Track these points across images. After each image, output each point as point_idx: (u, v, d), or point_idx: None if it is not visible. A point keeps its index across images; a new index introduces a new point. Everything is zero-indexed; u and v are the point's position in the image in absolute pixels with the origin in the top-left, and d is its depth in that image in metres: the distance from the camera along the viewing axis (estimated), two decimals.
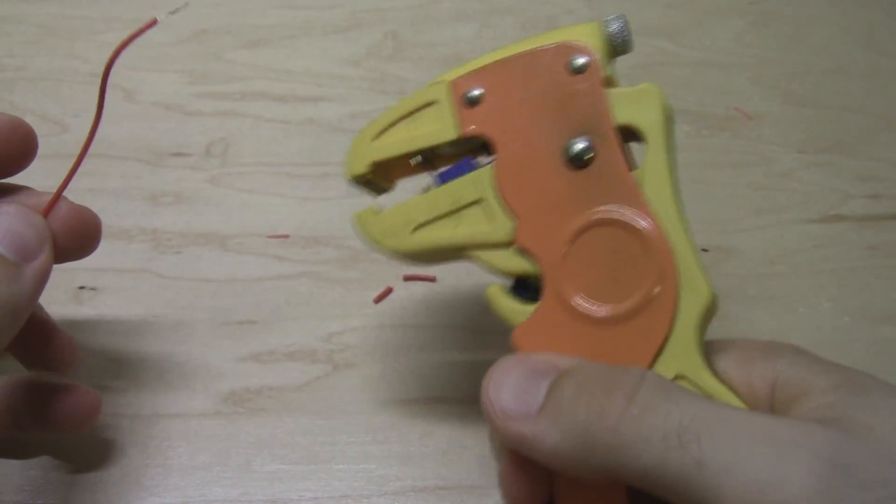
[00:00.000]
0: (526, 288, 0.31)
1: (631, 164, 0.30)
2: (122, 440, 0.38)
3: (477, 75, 0.31)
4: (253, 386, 0.39)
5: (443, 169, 0.32)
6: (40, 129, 0.45)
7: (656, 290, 0.28)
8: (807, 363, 0.28)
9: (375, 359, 0.41)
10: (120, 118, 0.46)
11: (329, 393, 0.40)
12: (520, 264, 0.30)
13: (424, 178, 0.33)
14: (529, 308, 0.30)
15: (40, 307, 0.36)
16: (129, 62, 0.47)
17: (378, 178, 0.33)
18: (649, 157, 0.29)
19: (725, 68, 0.50)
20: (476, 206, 0.31)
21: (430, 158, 0.33)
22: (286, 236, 0.43)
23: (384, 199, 0.33)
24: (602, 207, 0.29)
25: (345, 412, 0.39)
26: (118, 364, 0.39)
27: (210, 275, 0.42)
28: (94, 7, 0.49)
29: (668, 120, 0.29)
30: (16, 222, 0.32)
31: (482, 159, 0.32)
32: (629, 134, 0.30)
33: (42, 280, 0.32)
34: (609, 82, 0.30)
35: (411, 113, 0.32)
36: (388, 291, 0.42)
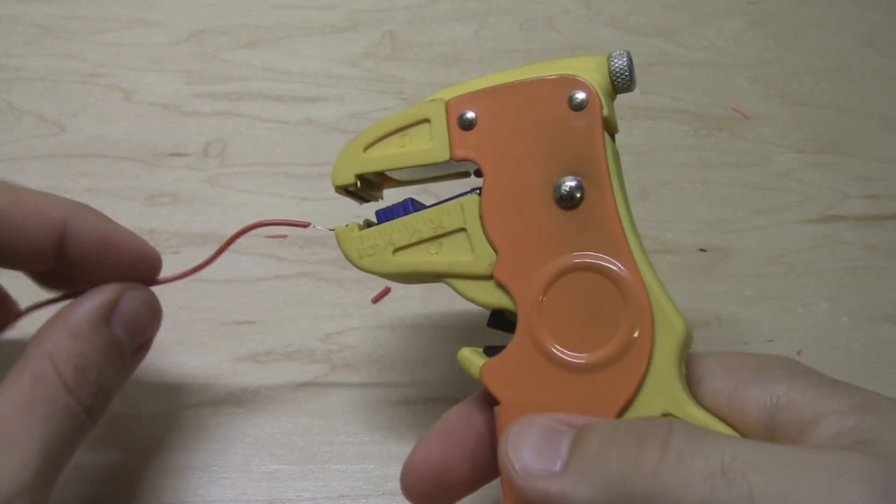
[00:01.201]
0: (504, 321, 0.31)
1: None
2: (120, 440, 0.38)
3: (474, 98, 0.30)
4: (251, 386, 0.39)
5: (381, 207, 0.32)
6: (38, 130, 0.45)
7: (634, 336, 0.28)
8: (809, 385, 0.27)
9: (373, 359, 0.40)
10: (118, 118, 0.46)
11: (327, 393, 0.40)
12: (498, 298, 0.30)
13: (409, 190, 0.33)
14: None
15: None
16: (127, 62, 0.48)
17: (363, 188, 0.33)
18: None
19: (724, 68, 0.50)
20: (459, 234, 0.30)
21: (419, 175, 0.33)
22: (284, 236, 0.43)
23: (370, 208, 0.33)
24: (585, 253, 0.29)
25: (343, 412, 0.39)
26: None
27: (208, 275, 0.42)
28: (92, 7, 0.49)
29: (615, 155, 0.30)
30: (142, 310, 0.31)
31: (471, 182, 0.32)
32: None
33: (133, 371, 0.32)
34: (608, 123, 0.30)
35: (405, 128, 0.31)
36: (387, 291, 0.42)
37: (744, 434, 0.27)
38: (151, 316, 0.32)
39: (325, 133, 0.46)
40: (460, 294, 0.30)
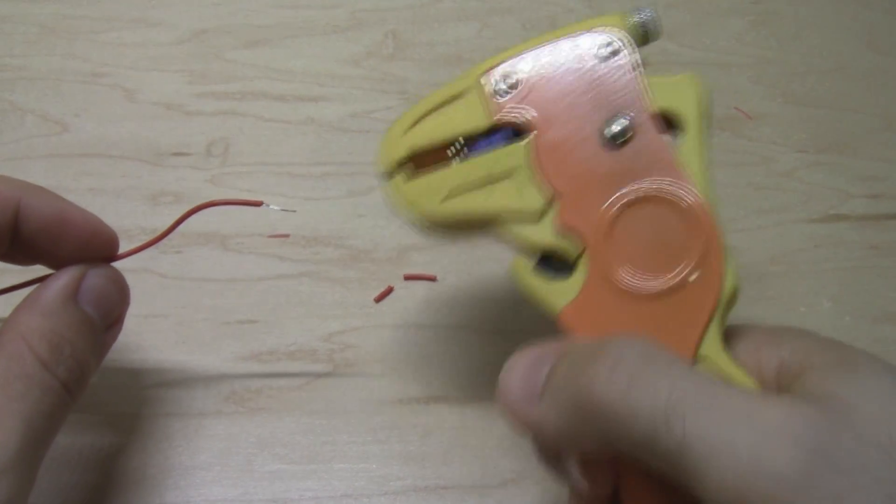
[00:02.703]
0: (550, 264, 0.31)
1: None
2: (123, 439, 0.38)
3: (507, 65, 0.31)
4: (253, 385, 0.39)
5: (477, 142, 0.32)
6: (41, 129, 0.45)
7: (703, 262, 0.29)
8: (807, 343, 0.28)
9: (376, 358, 0.41)
10: (120, 118, 0.46)
11: (330, 392, 0.40)
12: (550, 239, 0.30)
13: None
14: (558, 284, 0.30)
15: None
16: (130, 62, 0.48)
17: (414, 168, 0.32)
18: (685, 146, 0.30)
19: (726, 68, 0.50)
20: (509, 180, 0.31)
21: (467, 145, 0.33)
22: (287, 236, 0.43)
23: None
24: (644, 181, 0.30)
25: (345, 412, 0.39)
26: (118, 363, 0.39)
27: (211, 274, 0.42)
28: (94, 7, 0.49)
29: (706, 111, 0.30)
30: (109, 286, 0.32)
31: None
32: (666, 121, 0.30)
33: (110, 347, 0.33)
34: (639, 66, 0.31)
35: (443, 104, 0.32)
36: (389, 291, 0.42)
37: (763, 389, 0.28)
38: (118, 291, 0.32)
39: (328, 133, 0.46)
40: (512, 238, 0.31)
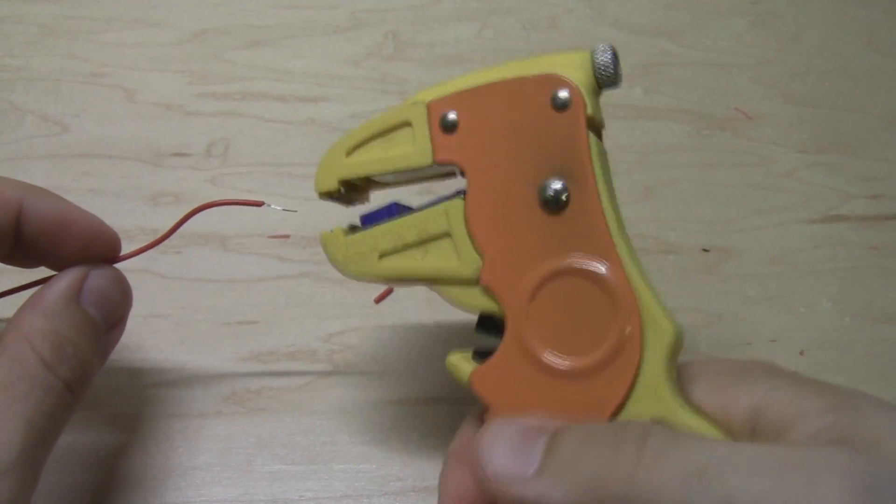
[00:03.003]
0: (492, 326, 0.30)
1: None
2: (123, 440, 0.38)
3: (455, 99, 0.30)
4: (253, 386, 0.39)
5: (366, 211, 0.31)
6: (40, 130, 0.45)
7: (623, 340, 0.28)
8: (789, 384, 0.27)
9: (376, 359, 0.40)
10: (120, 118, 0.46)
11: (329, 393, 0.40)
12: (485, 302, 0.29)
13: (398, 192, 0.33)
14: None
15: None
16: (130, 62, 0.48)
17: (348, 192, 0.32)
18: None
19: (726, 68, 0.50)
20: (444, 239, 0.30)
21: (404, 179, 0.32)
22: (287, 236, 0.43)
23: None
24: (572, 256, 0.28)
25: (345, 412, 0.39)
26: (118, 364, 0.39)
27: (210, 275, 0.42)
28: (94, 7, 0.49)
29: (601, 154, 0.29)
30: (109, 284, 0.32)
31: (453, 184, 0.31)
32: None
33: (112, 350, 0.33)
34: (593, 122, 0.29)
35: (387, 132, 0.31)
36: (389, 291, 0.42)
37: (732, 436, 0.27)
38: (120, 292, 0.32)
39: (328, 133, 0.46)
40: (447, 300, 0.30)
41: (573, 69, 0.29)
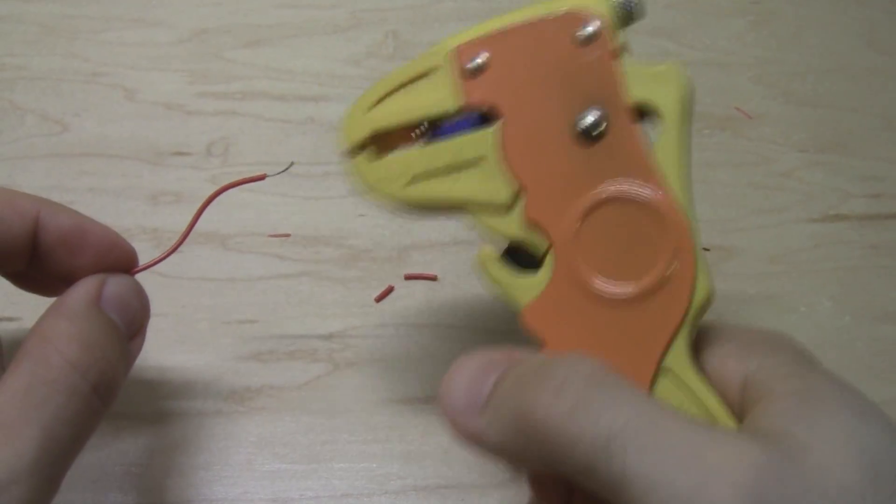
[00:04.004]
0: (519, 256, 0.30)
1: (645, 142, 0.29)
2: (123, 439, 0.38)
3: (480, 43, 0.29)
4: (254, 385, 0.39)
5: (442, 125, 0.30)
6: (41, 129, 0.45)
7: (673, 267, 0.28)
8: (774, 365, 0.26)
9: (376, 358, 0.40)
10: (120, 117, 0.46)
11: (330, 392, 0.40)
12: (517, 230, 0.29)
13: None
14: (524, 279, 0.29)
15: None
16: (130, 61, 0.48)
17: (375, 149, 0.31)
18: (662, 140, 0.28)
19: (726, 68, 0.50)
20: (477, 167, 0.29)
21: (431, 128, 0.31)
22: (287, 235, 0.43)
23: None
24: (615, 182, 0.28)
25: (346, 411, 0.39)
26: None
27: (211, 274, 0.42)
28: (94, 6, 0.49)
29: (687, 104, 0.29)
30: (128, 291, 0.31)
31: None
32: (644, 113, 0.29)
33: (136, 358, 0.32)
34: (620, 52, 0.29)
35: (410, 81, 0.30)
36: (389, 290, 0.42)
37: (727, 404, 0.27)
38: (139, 300, 0.32)
39: (328, 132, 0.46)
40: (479, 225, 0.30)
41: (596, 3, 0.29)
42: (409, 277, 0.42)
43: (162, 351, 0.40)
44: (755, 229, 0.46)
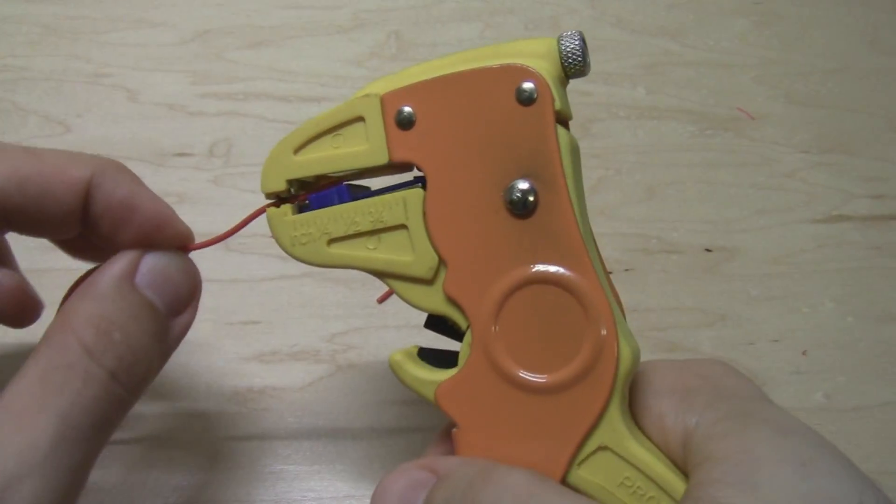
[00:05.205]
0: (443, 325, 0.28)
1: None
2: (126, 439, 0.38)
3: (412, 92, 0.27)
4: (256, 386, 0.39)
5: (314, 192, 0.29)
6: (43, 130, 0.45)
7: (598, 348, 0.26)
8: (712, 422, 0.25)
9: (378, 359, 0.40)
10: (123, 118, 0.46)
11: (332, 393, 0.40)
12: (438, 304, 0.28)
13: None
14: (441, 374, 0.28)
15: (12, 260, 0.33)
16: (133, 62, 0.48)
17: (298, 191, 0.30)
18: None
19: (729, 68, 0.50)
20: (399, 231, 0.28)
21: (356, 177, 0.30)
22: None
23: None
24: (540, 262, 0.27)
25: (348, 412, 0.39)
26: None
27: (213, 275, 0.42)
28: (97, 7, 0.49)
29: (573, 151, 0.27)
30: (171, 265, 0.29)
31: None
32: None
33: (180, 341, 0.29)
34: (560, 116, 0.27)
35: (338, 127, 0.28)
36: (392, 292, 0.42)
37: (671, 461, 0.26)
38: (185, 275, 0.29)
39: None
40: (399, 295, 0.29)
41: (538, 58, 0.27)
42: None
43: None
44: (758, 230, 0.46)
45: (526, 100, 0.26)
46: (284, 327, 0.41)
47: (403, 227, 0.28)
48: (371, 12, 0.50)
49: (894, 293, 0.45)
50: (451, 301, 0.27)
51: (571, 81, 0.28)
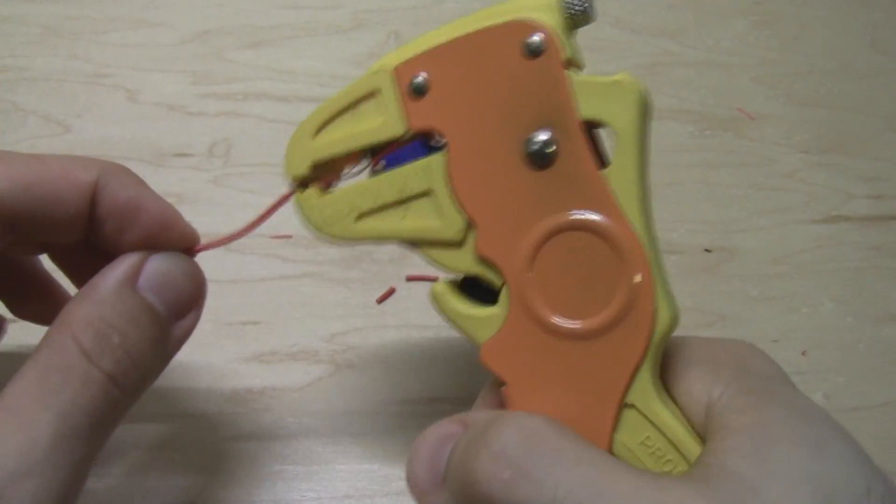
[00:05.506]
0: (476, 286, 0.29)
1: (603, 158, 0.27)
2: (125, 440, 0.38)
3: (421, 61, 0.27)
4: (256, 386, 0.39)
5: (388, 152, 0.29)
6: (42, 130, 0.45)
7: (633, 290, 0.26)
8: (734, 394, 0.25)
9: (378, 359, 0.40)
10: (122, 119, 0.46)
11: (332, 393, 0.40)
12: (471, 265, 0.28)
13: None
14: (480, 312, 0.28)
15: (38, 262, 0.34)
16: (132, 63, 0.48)
17: (322, 173, 0.30)
18: (617, 160, 0.26)
19: (728, 68, 0.50)
20: (424, 199, 0.28)
21: (378, 152, 0.29)
22: (289, 236, 0.43)
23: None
24: (568, 210, 0.26)
25: (347, 412, 0.39)
26: None
27: (213, 275, 0.42)
28: (96, 7, 0.49)
29: (645, 120, 0.26)
30: (174, 269, 0.29)
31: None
32: (596, 127, 0.27)
33: (183, 343, 0.30)
34: (571, 63, 0.26)
35: (353, 105, 0.29)
36: (391, 292, 0.42)
37: (694, 430, 0.26)
38: (188, 279, 0.29)
39: None
40: (432, 262, 0.29)
41: (542, 10, 0.26)
42: (410, 279, 0.42)
43: None
44: (757, 230, 0.46)
45: (534, 52, 0.26)
46: (284, 327, 0.41)
47: (429, 193, 0.28)
48: (370, 12, 0.50)
49: (894, 293, 0.45)
50: (485, 260, 0.28)
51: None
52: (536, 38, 0.26)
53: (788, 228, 0.46)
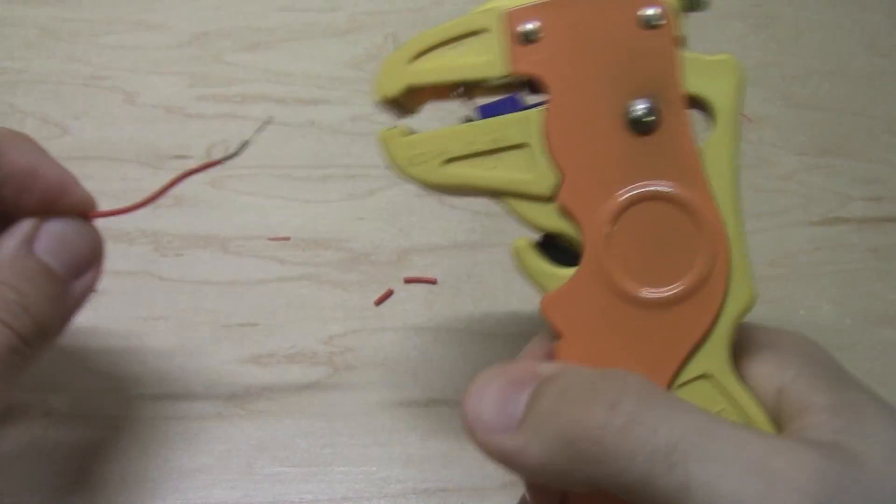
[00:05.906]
0: (555, 247, 0.29)
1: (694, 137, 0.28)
2: (123, 442, 0.38)
3: (536, 10, 0.28)
4: (253, 388, 0.39)
5: (484, 102, 0.29)
6: (41, 132, 0.45)
7: (709, 270, 0.27)
8: (811, 376, 0.26)
9: (376, 361, 0.40)
10: (120, 121, 0.46)
11: (330, 395, 0.40)
12: (556, 222, 0.28)
13: (454, 106, 0.30)
14: (560, 272, 0.28)
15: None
16: (130, 65, 0.48)
17: (408, 101, 0.30)
18: (715, 137, 0.27)
19: None
20: (518, 151, 0.28)
21: (470, 90, 0.30)
22: (287, 239, 0.43)
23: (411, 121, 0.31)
24: (658, 179, 0.27)
25: (345, 414, 0.39)
26: (118, 366, 0.39)
27: (211, 277, 0.42)
28: (95, 9, 0.49)
29: (742, 99, 0.28)
30: (69, 232, 0.30)
31: (529, 99, 0.29)
32: (694, 104, 0.28)
33: (85, 299, 0.31)
34: (680, 42, 0.28)
35: (456, 38, 0.28)
36: (389, 294, 0.42)
37: (764, 409, 0.27)
38: (84, 241, 0.31)
39: (328, 135, 0.46)
40: (514, 214, 0.29)
41: None
42: (408, 281, 0.42)
43: (162, 354, 0.40)
44: (755, 232, 0.46)
45: (650, 24, 0.27)
46: (282, 329, 0.41)
47: (523, 146, 0.28)
48: (368, 15, 0.50)
49: (891, 295, 0.45)
50: (566, 213, 0.28)
51: None
52: (655, 10, 0.27)
53: (786, 231, 0.46)
